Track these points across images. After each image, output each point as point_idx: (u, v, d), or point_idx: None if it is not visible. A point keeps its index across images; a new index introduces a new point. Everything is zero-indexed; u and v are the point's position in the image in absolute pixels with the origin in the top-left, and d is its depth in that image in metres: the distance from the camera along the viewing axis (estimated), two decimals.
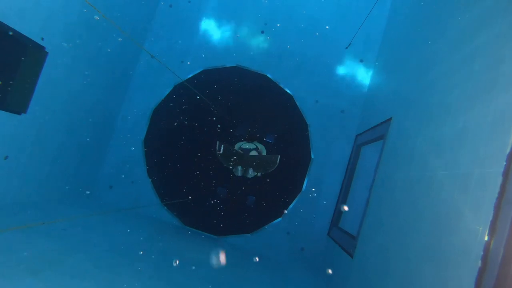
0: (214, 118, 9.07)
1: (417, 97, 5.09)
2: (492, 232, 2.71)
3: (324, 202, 8.34)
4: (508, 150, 2.81)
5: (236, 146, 7.81)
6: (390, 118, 5.95)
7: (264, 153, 7.85)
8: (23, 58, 5.60)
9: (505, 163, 2.81)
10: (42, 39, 5.79)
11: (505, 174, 2.81)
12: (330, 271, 7.12)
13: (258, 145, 7.82)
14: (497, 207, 2.76)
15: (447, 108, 4.02)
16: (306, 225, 8.42)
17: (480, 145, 3.15)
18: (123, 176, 8.82)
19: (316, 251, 8.11)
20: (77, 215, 7.37)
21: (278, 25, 8.98)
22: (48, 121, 6.61)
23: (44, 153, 6.80)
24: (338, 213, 8.01)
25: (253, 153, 7.67)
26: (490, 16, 3.64)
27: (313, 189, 8.48)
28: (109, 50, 7.76)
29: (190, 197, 8.51)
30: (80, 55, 6.94)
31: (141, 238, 7.33)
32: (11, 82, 5.52)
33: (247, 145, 7.76)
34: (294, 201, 8.52)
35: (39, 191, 6.98)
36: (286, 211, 8.22)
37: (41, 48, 5.85)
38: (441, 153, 3.86)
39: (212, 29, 9.24)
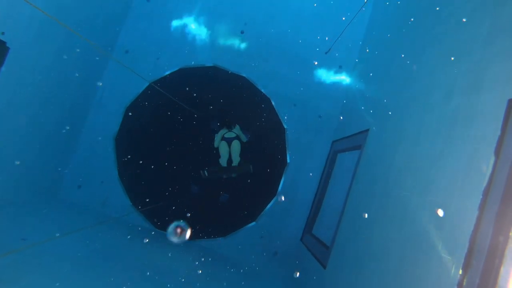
0: (189, 116, 8.80)
1: (396, 112, 5.10)
2: (466, 267, 2.72)
3: (299, 208, 8.34)
4: (484, 184, 2.82)
5: (219, 135, 8.29)
6: (368, 129, 5.97)
7: (243, 138, 8.43)
8: None
9: (481, 196, 2.82)
10: (3, 33, 5.35)
11: (481, 208, 2.83)
12: (297, 274, 7.15)
13: (237, 132, 8.31)
14: (472, 241, 2.77)
15: (426, 129, 4.03)
16: (279, 229, 8.40)
17: (458, 175, 3.16)
18: (92, 175, 8.44)
19: (289, 256, 8.12)
20: (44, 221, 7.00)
21: (258, 26, 8.80)
22: (10, 117, 6.17)
23: (5, 151, 6.35)
24: (312, 219, 8.03)
25: (236, 143, 8.25)
26: (471, 41, 3.65)
27: (288, 193, 8.45)
28: (79, 43, 7.32)
29: (161, 203, 8.27)
30: (46, 49, 6.50)
31: (110, 243, 7.06)
32: None
33: (228, 134, 8.23)
34: (269, 205, 8.47)
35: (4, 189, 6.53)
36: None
37: (2, 43, 5.41)
38: (418, 176, 3.87)
39: (191, 27, 8.92)
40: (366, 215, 4.87)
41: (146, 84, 8.56)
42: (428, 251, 3.21)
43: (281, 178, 8.52)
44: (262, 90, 8.64)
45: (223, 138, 8.22)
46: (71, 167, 8.44)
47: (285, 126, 8.62)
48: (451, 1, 4.43)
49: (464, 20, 3.89)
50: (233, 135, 8.16)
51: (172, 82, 8.72)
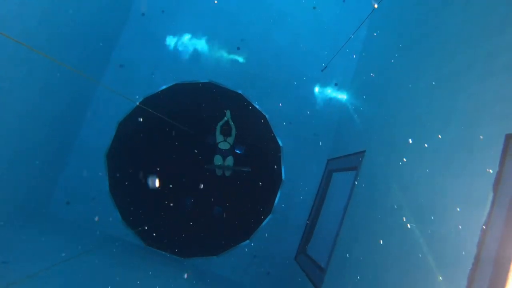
0: (183, 133, 8.72)
1: (393, 135, 5.06)
2: None
3: (293, 226, 8.23)
4: (484, 219, 2.77)
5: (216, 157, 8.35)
6: (364, 151, 5.92)
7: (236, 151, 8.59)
8: None
9: (479, 232, 2.77)
10: None
11: (480, 245, 2.77)
12: None
13: (231, 143, 8.43)
14: (471, 279, 2.70)
15: (424, 156, 3.99)
16: (273, 249, 8.27)
17: (459, 206, 3.10)
18: (82, 191, 8.27)
19: (282, 276, 7.98)
20: (32, 237, 6.82)
21: (254, 43, 8.80)
22: None
23: None
24: (307, 238, 7.92)
25: (229, 159, 8.39)
26: (469, 73, 3.63)
27: (283, 212, 8.35)
28: (70, 60, 7.24)
29: (153, 223, 8.13)
30: (37, 66, 6.40)
31: (97, 261, 6.87)
32: None
33: (222, 145, 8.33)
34: (263, 223, 8.36)
35: None
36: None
37: None
38: (417, 205, 3.81)
39: (186, 42, 8.90)
40: (361, 241, 4.79)
41: (140, 100, 8.50)
42: (427, 284, 3.14)
43: (276, 195, 8.43)
44: (258, 107, 8.60)
45: (218, 150, 8.23)
46: (60, 183, 8.27)
47: (281, 144, 8.56)
48: (447, 28, 4.45)
49: (460, 50, 3.90)
50: (227, 146, 8.25)
51: (167, 98, 8.65)
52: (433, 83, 4.31)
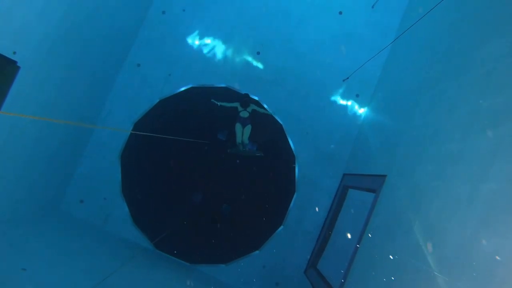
0: (197, 136, 8.58)
1: (419, 167, 4.82)
2: None
3: (304, 238, 8.10)
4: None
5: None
6: (385, 176, 5.70)
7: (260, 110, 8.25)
8: None
9: None
10: (14, 53, 5.15)
11: None
12: None
13: (250, 111, 8.19)
14: None
15: (450, 199, 3.77)
16: (283, 260, 8.16)
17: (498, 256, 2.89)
18: (95, 190, 8.25)
19: None
20: (49, 235, 6.89)
21: (275, 48, 8.52)
22: (16, 135, 5.97)
23: (11, 165, 6.15)
24: (318, 252, 7.79)
25: (248, 127, 8.29)
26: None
27: (294, 223, 8.21)
28: (88, 58, 7.11)
29: (167, 231, 8.08)
30: (56, 66, 6.28)
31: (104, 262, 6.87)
32: None
33: (242, 113, 8.18)
34: (274, 234, 8.24)
35: (2, 208, 6.34)
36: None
37: (13, 62, 5.21)
38: (441, 252, 3.61)
39: (205, 43, 8.66)
40: (378, 277, 4.62)
41: (156, 101, 8.36)
42: None
43: (288, 206, 8.28)
44: (275, 116, 8.38)
45: (238, 118, 8.21)
46: (74, 181, 8.25)
47: (296, 154, 8.36)
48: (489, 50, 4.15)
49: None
50: (246, 114, 8.16)
51: (182, 100, 8.49)
52: (473, 113, 4.02)
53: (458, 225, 3.51)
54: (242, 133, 8.32)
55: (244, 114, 8.17)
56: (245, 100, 8.01)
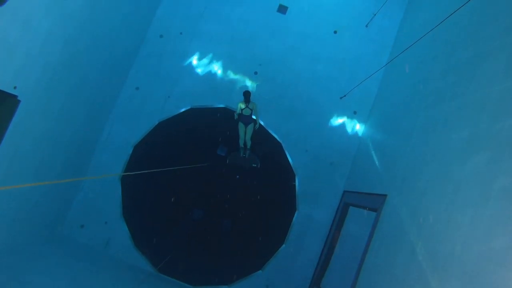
0: (196, 158, 8.63)
1: (419, 188, 4.87)
2: None
3: (306, 257, 8.09)
4: None
5: (238, 108, 7.98)
6: (385, 195, 5.74)
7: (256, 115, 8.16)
8: None
9: None
10: (15, 87, 5.21)
11: None
12: None
13: (252, 108, 8.03)
14: None
15: (456, 224, 3.80)
16: (285, 279, 8.13)
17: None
18: (96, 215, 8.23)
19: None
20: (50, 262, 6.83)
21: (272, 68, 8.63)
22: (17, 163, 5.99)
23: (12, 192, 6.15)
24: (320, 271, 7.77)
25: (250, 126, 8.14)
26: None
27: (296, 242, 8.21)
28: (88, 85, 7.18)
29: (170, 255, 8.06)
30: (56, 94, 6.35)
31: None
32: None
33: (245, 111, 7.95)
34: (276, 252, 8.23)
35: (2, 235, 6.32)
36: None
37: (13, 97, 5.27)
38: (444, 274, 3.64)
39: (203, 65, 8.76)
40: None
41: (155, 123, 8.42)
42: None
43: (289, 224, 8.29)
44: (274, 134, 8.45)
45: (240, 116, 8.08)
46: (75, 206, 8.23)
47: (295, 171, 8.40)
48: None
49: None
50: (248, 112, 8.00)
51: (182, 121, 8.55)
52: (473, 134, 4.09)
53: (461, 247, 3.54)
54: (245, 132, 8.30)
55: (246, 111, 8.05)
56: (246, 94, 7.87)
